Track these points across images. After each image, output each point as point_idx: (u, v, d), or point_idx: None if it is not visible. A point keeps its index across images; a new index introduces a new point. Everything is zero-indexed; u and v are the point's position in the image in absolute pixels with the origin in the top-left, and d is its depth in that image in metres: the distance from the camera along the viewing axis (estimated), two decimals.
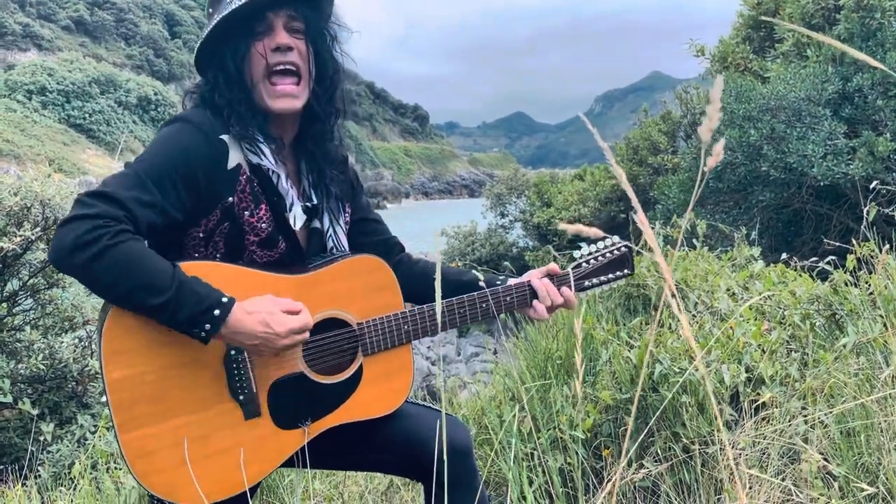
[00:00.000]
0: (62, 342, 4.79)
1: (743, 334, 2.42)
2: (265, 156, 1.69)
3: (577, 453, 2.17)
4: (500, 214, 16.89)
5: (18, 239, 4.03)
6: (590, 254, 2.12)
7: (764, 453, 2.18)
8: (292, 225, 1.74)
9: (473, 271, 2.13)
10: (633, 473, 2.22)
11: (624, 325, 3.11)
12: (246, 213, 1.67)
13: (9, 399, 4.24)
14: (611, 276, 2.13)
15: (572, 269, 2.08)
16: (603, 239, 2.22)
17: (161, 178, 1.54)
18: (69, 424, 4.68)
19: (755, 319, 2.61)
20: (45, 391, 4.83)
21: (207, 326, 1.48)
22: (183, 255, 1.66)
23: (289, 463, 1.74)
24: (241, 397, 1.62)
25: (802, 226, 9.41)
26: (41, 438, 4.32)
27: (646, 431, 2.38)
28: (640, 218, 0.71)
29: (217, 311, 1.48)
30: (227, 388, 1.61)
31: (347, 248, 1.86)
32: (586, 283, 2.09)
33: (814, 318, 2.64)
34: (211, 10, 1.78)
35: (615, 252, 2.14)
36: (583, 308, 3.29)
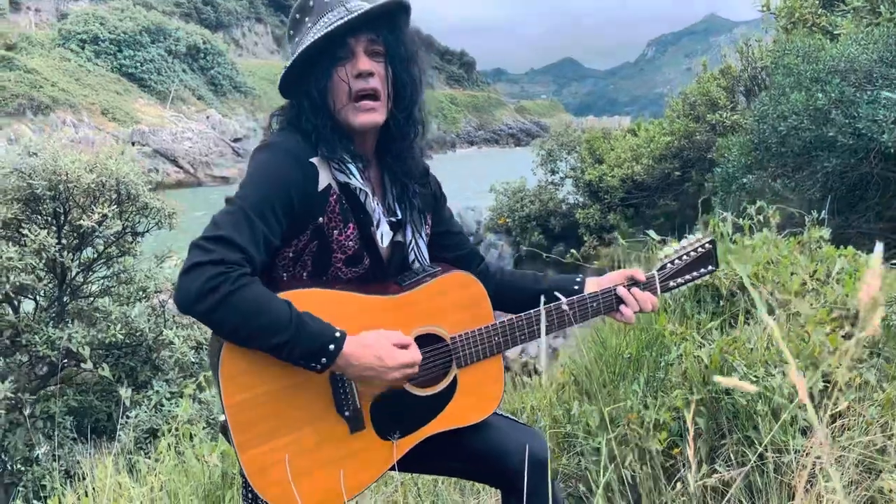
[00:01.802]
0: (135, 311, 4.99)
1: (820, 339, 2.41)
2: (353, 175, 1.75)
3: (650, 463, 2.22)
4: (551, 171, 16.72)
5: (96, 216, 4.19)
6: (674, 252, 2.13)
7: (839, 461, 2.20)
8: (379, 242, 1.80)
9: (548, 275, 2.15)
10: (706, 478, 2.26)
11: (693, 315, 3.11)
12: (335, 231, 1.74)
13: (90, 366, 4.47)
14: (695, 274, 2.15)
15: (658, 271, 2.09)
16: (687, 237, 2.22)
17: (264, 211, 1.61)
18: (145, 389, 4.92)
19: (830, 320, 2.59)
20: (120, 356, 5.07)
21: (324, 360, 1.58)
22: (271, 274, 1.75)
23: None
24: (346, 413, 1.72)
25: (868, 189, 9.14)
26: (120, 402, 4.54)
27: (718, 434, 2.42)
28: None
29: (332, 346, 1.57)
30: (333, 404, 1.71)
31: (428, 260, 1.91)
32: (671, 283, 2.12)
33: (892, 321, 2.61)
34: (292, 31, 1.82)
35: (699, 249, 2.14)
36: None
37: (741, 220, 3.49)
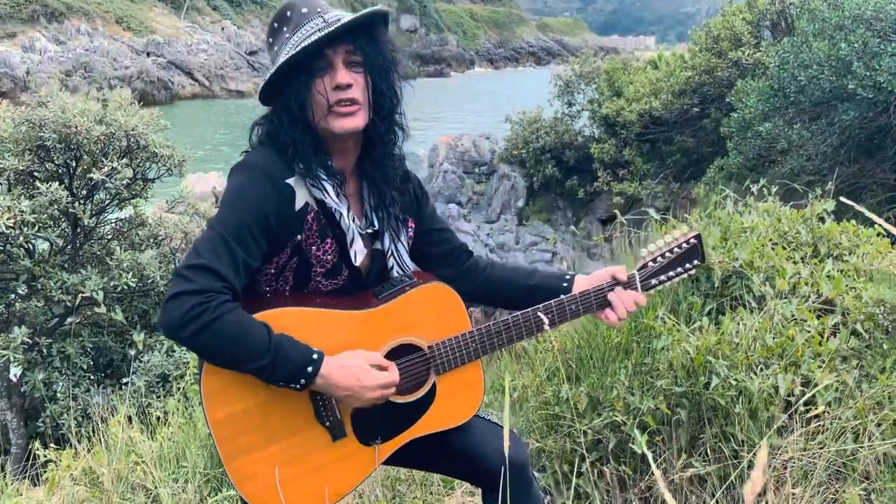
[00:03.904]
0: (145, 256, 5.10)
1: (804, 342, 2.47)
2: (328, 193, 1.79)
3: (633, 458, 2.33)
4: (568, 103, 16.46)
5: (107, 169, 4.24)
6: (658, 249, 2.11)
7: (811, 462, 2.29)
8: (353, 261, 1.85)
9: (538, 270, 2.18)
10: (681, 472, 2.38)
11: (685, 298, 3.17)
12: (313, 247, 1.80)
13: (103, 310, 4.62)
14: (679, 269, 2.13)
15: (638, 270, 2.10)
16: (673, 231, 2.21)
17: (243, 236, 1.67)
18: (157, 332, 5.08)
19: (816, 319, 2.65)
20: (133, 298, 5.22)
21: (302, 381, 1.66)
22: (255, 289, 1.82)
23: None
24: (327, 423, 1.81)
25: (886, 138, 9.01)
26: (134, 351, 4.71)
27: (698, 424, 2.52)
28: None
29: (310, 368, 1.65)
30: (314, 415, 1.80)
31: (409, 265, 1.96)
32: (653, 281, 2.11)
33: (880, 319, 2.65)
34: (270, 39, 1.83)
35: (684, 245, 2.12)
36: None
37: (741, 202, 3.48)
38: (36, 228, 4.03)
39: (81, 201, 4.55)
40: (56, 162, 4.46)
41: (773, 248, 3.26)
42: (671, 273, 2.14)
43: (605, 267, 2.14)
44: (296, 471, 1.80)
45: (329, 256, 1.82)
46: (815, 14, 7.77)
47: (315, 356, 1.67)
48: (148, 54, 55.70)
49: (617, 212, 3.57)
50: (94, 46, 52.71)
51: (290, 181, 1.74)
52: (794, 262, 3.12)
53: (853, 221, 3.65)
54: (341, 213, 1.81)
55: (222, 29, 65.08)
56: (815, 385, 2.39)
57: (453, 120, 38.25)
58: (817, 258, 3.38)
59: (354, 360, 1.72)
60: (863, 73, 7.15)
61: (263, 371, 1.63)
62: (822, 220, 3.70)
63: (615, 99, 15.24)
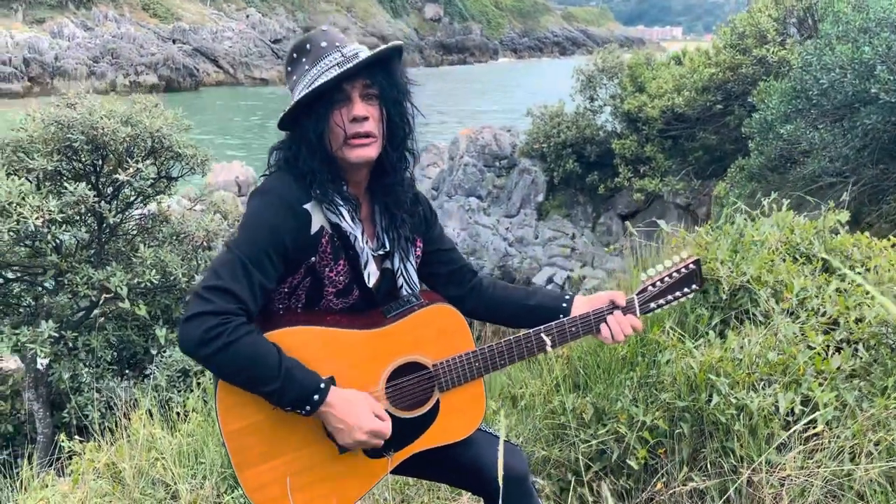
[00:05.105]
0: (165, 250, 5.22)
1: (806, 360, 2.52)
2: (343, 217, 1.87)
3: (629, 475, 2.39)
4: (590, 98, 16.40)
5: (131, 170, 4.36)
6: (657, 273, 2.16)
7: (808, 480, 2.35)
8: (367, 282, 1.94)
9: (539, 290, 2.24)
10: (682, 484, 2.44)
11: (693, 310, 3.21)
12: (326, 269, 1.88)
13: (127, 305, 4.75)
14: (678, 293, 2.18)
15: (637, 294, 2.15)
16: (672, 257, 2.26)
17: (261, 260, 1.76)
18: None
19: (821, 336, 2.69)
20: (156, 294, 5.35)
21: (308, 408, 1.76)
22: (268, 307, 1.90)
23: None
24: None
25: None
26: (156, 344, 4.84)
27: (700, 437, 2.58)
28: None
29: (316, 397, 1.75)
30: (322, 428, 1.89)
31: (417, 283, 2.05)
32: (652, 304, 2.16)
33: (886, 339, 2.69)
34: (290, 69, 1.91)
35: (683, 270, 2.17)
36: None
37: (754, 213, 3.51)
38: (63, 227, 4.16)
39: (107, 200, 4.68)
40: (83, 162, 4.59)
41: (783, 262, 3.29)
42: (670, 297, 2.19)
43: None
44: (304, 481, 1.90)
45: (341, 277, 1.91)
46: (839, 16, 7.71)
47: (322, 385, 1.76)
48: (174, 41, 56.16)
49: (628, 223, 3.62)
50: (121, 33, 53.24)
51: (308, 206, 1.83)
52: (804, 277, 3.15)
53: (867, 234, 3.66)
54: (356, 237, 1.90)
55: (247, 16, 65.37)
56: (816, 404, 2.44)
57: (474, 111, 38.14)
58: (828, 271, 3.40)
59: (358, 399, 1.81)
60: (886, 77, 7.09)
61: (272, 395, 1.72)
62: (835, 231, 3.71)
63: (638, 94, 15.17)
